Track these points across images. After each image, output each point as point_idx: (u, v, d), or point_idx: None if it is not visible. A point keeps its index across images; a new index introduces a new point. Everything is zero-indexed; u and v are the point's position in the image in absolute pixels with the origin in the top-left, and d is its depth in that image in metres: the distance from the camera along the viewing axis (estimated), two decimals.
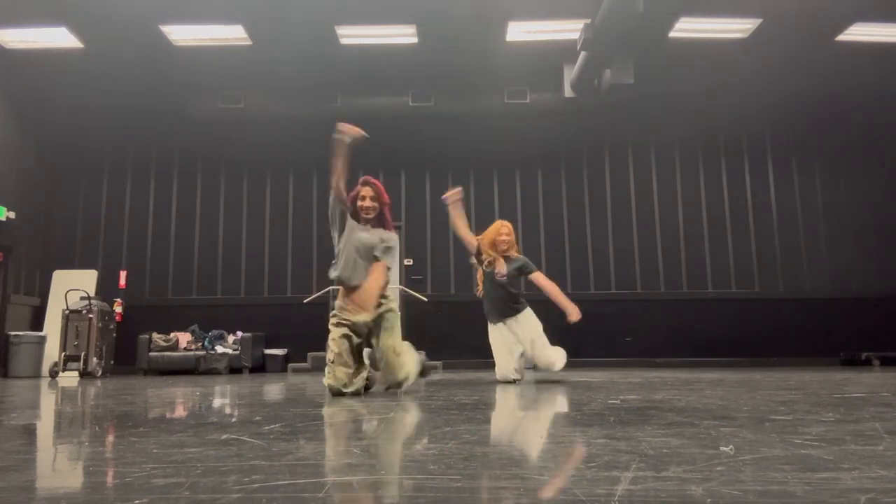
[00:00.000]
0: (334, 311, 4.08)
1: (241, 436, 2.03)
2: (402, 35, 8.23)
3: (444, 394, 3.85)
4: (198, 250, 9.94)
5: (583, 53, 8.00)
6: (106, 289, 9.58)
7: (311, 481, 1.31)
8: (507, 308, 5.25)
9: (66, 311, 8.26)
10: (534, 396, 3.73)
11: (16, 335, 8.51)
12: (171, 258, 9.92)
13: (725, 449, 1.62)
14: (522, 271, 5.32)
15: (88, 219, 10.01)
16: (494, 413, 2.82)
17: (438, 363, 9.02)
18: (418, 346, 9.16)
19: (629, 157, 10.19)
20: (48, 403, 3.94)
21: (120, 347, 8.92)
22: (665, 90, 9.63)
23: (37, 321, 9.38)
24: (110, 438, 2.13)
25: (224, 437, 2.02)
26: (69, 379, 7.63)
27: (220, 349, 8.89)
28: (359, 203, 4.09)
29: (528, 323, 5.21)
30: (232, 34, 8.12)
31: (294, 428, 2.22)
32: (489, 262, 5.22)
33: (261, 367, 9.12)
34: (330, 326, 4.04)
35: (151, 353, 8.79)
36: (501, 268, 5.18)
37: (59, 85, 9.23)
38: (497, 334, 5.26)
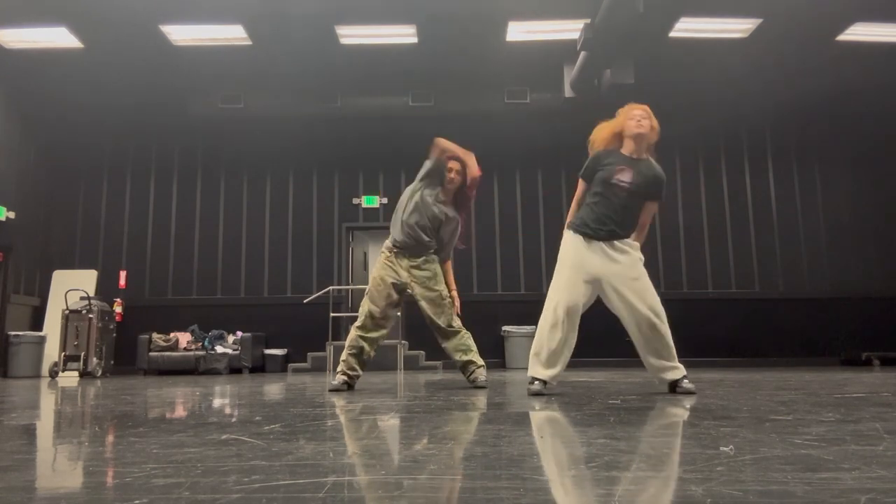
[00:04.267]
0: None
1: (241, 436, 2.03)
2: (402, 35, 8.22)
3: (443, 394, 3.85)
4: (198, 250, 9.94)
5: (583, 53, 8.00)
6: (106, 289, 9.58)
7: (311, 481, 1.31)
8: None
9: (66, 311, 8.26)
10: (533, 397, 3.72)
11: (16, 335, 8.51)
12: (171, 258, 9.92)
13: (725, 449, 1.62)
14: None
15: (88, 219, 10.01)
16: (494, 413, 2.82)
17: (438, 363, 9.02)
18: (419, 345, 9.27)
19: None
20: (48, 403, 3.94)
21: (120, 347, 8.92)
22: (665, 90, 9.60)
23: (37, 321, 9.38)
24: (110, 438, 2.13)
25: (224, 437, 2.02)
26: (69, 379, 7.63)
27: (220, 349, 8.89)
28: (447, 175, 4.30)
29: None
30: (232, 34, 8.12)
31: (294, 428, 2.22)
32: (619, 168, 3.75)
33: (261, 367, 9.12)
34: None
35: (151, 353, 8.79)
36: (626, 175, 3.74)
37: (59, 85, 9.22)
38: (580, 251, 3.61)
